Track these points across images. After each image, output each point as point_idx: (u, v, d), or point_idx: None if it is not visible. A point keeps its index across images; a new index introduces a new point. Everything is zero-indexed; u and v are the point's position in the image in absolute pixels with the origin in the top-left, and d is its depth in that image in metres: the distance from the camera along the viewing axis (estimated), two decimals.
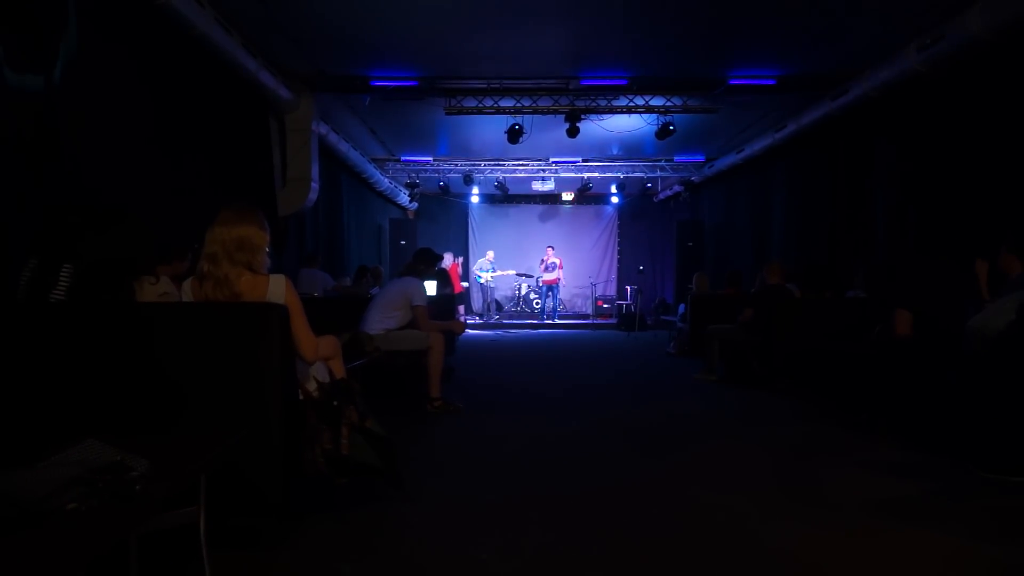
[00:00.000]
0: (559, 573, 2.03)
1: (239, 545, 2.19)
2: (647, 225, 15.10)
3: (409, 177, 12.58)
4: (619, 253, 15.27)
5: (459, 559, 2.12)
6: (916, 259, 5.74)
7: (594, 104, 8.02)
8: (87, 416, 2.13)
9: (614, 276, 15.04)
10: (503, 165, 11.99)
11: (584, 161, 11.93)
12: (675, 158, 11.77)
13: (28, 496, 1.19)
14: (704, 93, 7.69)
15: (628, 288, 13.19)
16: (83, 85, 3.91)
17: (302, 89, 7.26)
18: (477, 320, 13.12)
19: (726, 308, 6.47)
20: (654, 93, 7.83)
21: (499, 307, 13.90)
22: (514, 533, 2.32)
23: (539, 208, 15.07)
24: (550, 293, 12.99)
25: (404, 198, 13.57)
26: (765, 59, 6.79)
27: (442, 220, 15.04)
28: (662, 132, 8.42)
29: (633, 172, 12.29)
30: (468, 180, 12.21)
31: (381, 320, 4.45)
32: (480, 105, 7.84)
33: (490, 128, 9.05)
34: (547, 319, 12.91)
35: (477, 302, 14.15)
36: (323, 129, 8.27)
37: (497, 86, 7.60)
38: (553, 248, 12.90)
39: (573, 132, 8.09)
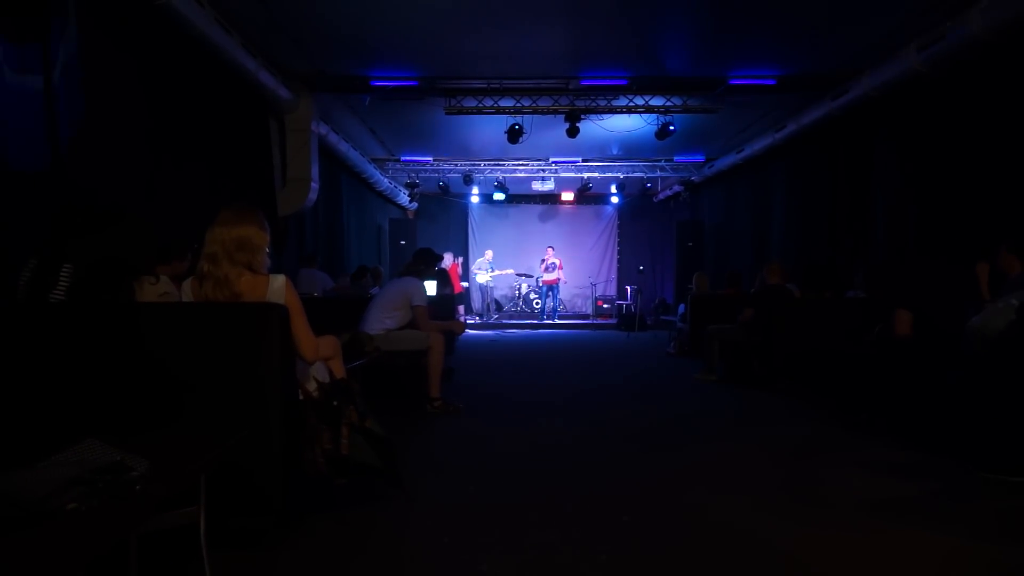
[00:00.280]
0: (560, 574, 2.03)
1: (239, 545, 2.19)
2: (647, 225, 15.10)
3: (409, 177, 12.58)
4: (619, 253, 15.27)
5: (459, 559, 2.12)
6: (916, 259, 5.74)
7: (594, 104, 8.02)
8: (87, 416, 2.13)
9: (614, 276, 15.04)
10: (503, 165, 12.00)
11: (584, 161, 11.93)
12: (675, 158, 11.78)
13: (28, 496, 1.19)
14: (704, 93, 7.69)
15: (628, 288, 13.18)
16: (83, 85, 3.91)
17: (302, 89, 7.26)
18: (477, 320, 13.12)
19: (726, 308, 6.47)
20: (654, 93, 7.83)
21: (499, 307, 13.91)
22: (514, 533, 2.32)
23: (539, 208, 15.07)
24: (550, 293, 12.99)
25: (404, 198, 13.57)
26: (765, 59, 6.80)
27: (442, 220, 15.04)
28: (662, 132, 8.42)
29: (633, 172, 12.30)
30: (468, 180, 12.22)
31: (381, 320, 4.44)
32: (480, 105, 7.84)
33: (490, 128, 9.05)
34: (547, 319, 12.91)
35: (477, 302, 14.15)
36: (323, 129, 8.27)
37: (497, 86, 7.60)
38: (553, 248, 12.91)
39: (573, 132, 8.09)
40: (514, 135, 8.39)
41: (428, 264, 4.94)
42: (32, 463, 1.32)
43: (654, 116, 8.35)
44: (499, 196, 12.91)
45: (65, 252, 2.58)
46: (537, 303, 13.28)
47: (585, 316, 14.09)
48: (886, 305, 4.12)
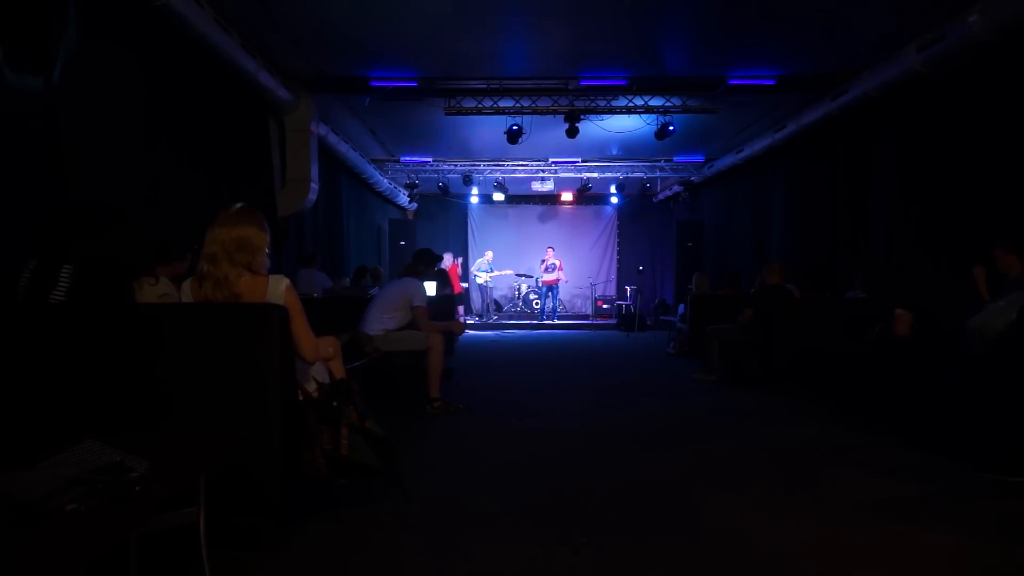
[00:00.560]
0: (559, 573, 2.03)
1: (239, 545, 2.19)
2: (647, 225, 15.10)
3: (408, 178, 12.58)
4: (619, 253, 15.27)
5: (458, 559, 2.12)
6: (916, 260, 5.74)
7: (593, 104, 8.02)
8: (87, 417, 2.13)
9: (614, 276, 15.04)
10: (503, 165, 12.00)
11: (583, 161, 11.93)
12: (675, 158, 11.78)
13: (28, 497, 1.19)
14: (704, 93, 7.69)
15: (628, 288, 13.18)
16: (83, 85, 3.91)
17: (301, 90, 7.26)
18: (477, 320, 13.12)
19: (726, 308, 6.47)
20: (653, 93, 7.83)
21: (499, 307, 13.91)
22: (514, 532, 2.32)
23: (539, 208, 15.07)
24: (550, 293, 12.99)
25: (403, 198, 13.57)
26: (765, 59, 6.80)
27: (441, 220, 15.04)
28: (661, 132, 8.42)
29: (632, 172, 12.30)
30: (467, 180, 12.22)
31: (380, 320, 4.44)
32: (479, 105, 7.84)
33: (490, 128, 9.05)
34: (547, 319, 12.91)
35: (477, 302, 14.15)
36: (323, 130, 8.26)
37: (496, 86, 7.60)
38: (553, 249, 12.90)
39: (572, 132, 8.08)
40: (513, 136, 8.39)
41: (428, 265, 4.94)
42: (32, 463, 1.32)
43: (654, 116, 8.35)
44: (498, 196, 12.92)
45: (65, 253, 2.57)
46: (537, 303, 13.28)
47: (585, 316, 14.09)
48: (886, 305, 4.12)
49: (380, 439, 2.47)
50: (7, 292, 2.65)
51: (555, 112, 8.01)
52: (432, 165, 11.97)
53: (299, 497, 2.43)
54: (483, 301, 13.41)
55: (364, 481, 2.52)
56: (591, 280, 14.18)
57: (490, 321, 12.82)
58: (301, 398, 2.41)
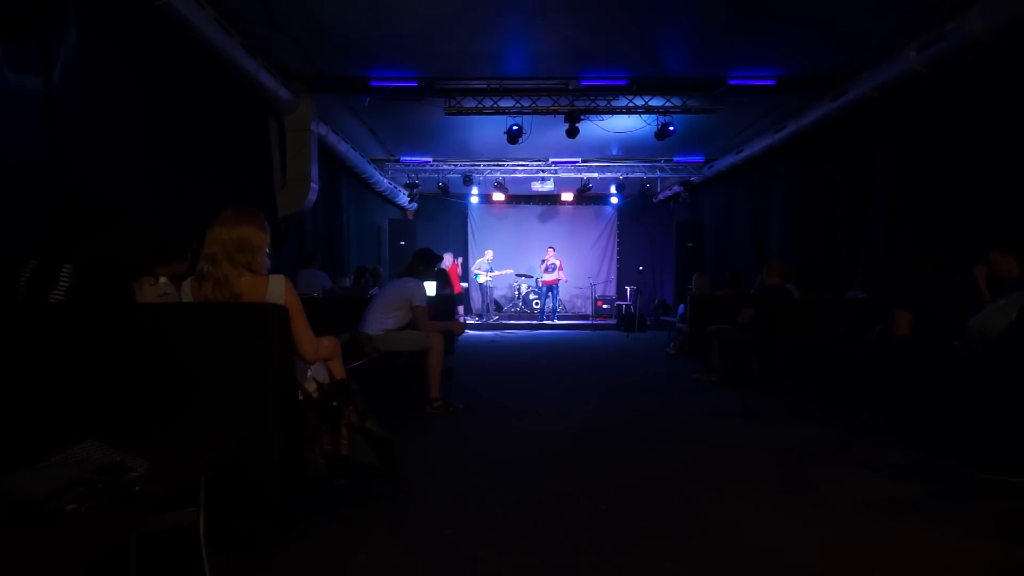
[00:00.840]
0: (559, 573, 2.03)
1: (238, 546, 2.19)
2: (647, 225, 15.09)
3: (408, 177, 12.58)
4: (619, 253, 15.27)
5: (458, 560, 2.12)
6: (916, 260, 5.74)
7: (593, 104, 8.02)
8: (87, 417, 2.13)
9: (614, 276, 15.04)
10: (503, 165, 12.00)
11: (584, 161, 11.93)
12: (675, 158, 11.78)
13: (28, 497, 1.18)
14: (704, 93, 7.69)
15: (628, 288, 13.19)
16: (83, 85, 3.91)
17: (301, 90, 7.26)
18: (477, 320, 13.11)
19: (726, 308, 6.47)
20: (654, 93, 7.83)
21: (498, 307, 13.90)
22: (514, 533, 2.32)
23: (539, 208, 15.06)
24: (550, 293, 12.99)
25: (403, 198, 13.57)
26: (765, 59, 6.80)
27: (441, 220, 15.04)
28: (661, 133, 8.42)
29: (633, 172, 12.30)
30: (468, 180, 12.22)
31: (380, 321, 4.44)
32: (479, 105, 7.84)
33: (489, 128, 9.05)
34: (547, 319, 12.91)
35: (477, 302, 14.15)
36: (323, 130, 8.26)
37: (496, 86, 7.60)
38: (554, 249, 12.90)
39: (572, 132, 8.08)
40: (513, 136, 8.39)
41: (428, 264, 4.93)
42: (32, 464, 1.32)
43: (654, 117, 8.35)
44: (498, 197, 12.91)
45: (65, 252, 2.57)
46: (537, 303, 13.28)
47: (585, 316, 14.09)
48: (886, 306, 4.12)
49: (380, 439, 2.47)
50: (7, 292, 2.65)
51: (555, 112, 8.01)
52: (432, 165, 11.97)
53: (299, 497, 2.43)
54: (483, 301, 13.41)
55: (364, 481, 2.52)
56: (591, 280, 14.18)
57: (490, 321, 12.81)
58: (301, 398, 2.41)
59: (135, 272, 2.91)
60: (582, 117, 8.07)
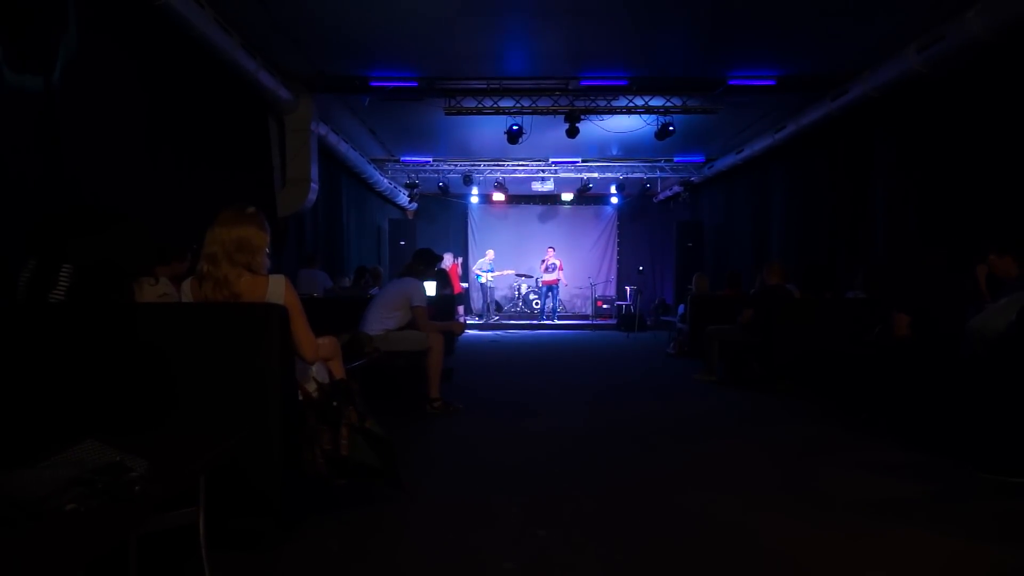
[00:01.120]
0: (561, 573, 2.03)
1: (238, 546, 2.19)
2: (647, 225, 15.09)
3: (409, 177, 12.58)
4: (619, 253, 15.26)
5: (458, 560, 2.12)
6: (915, 260, 5.74)
7: (593, 104, 8.02)
8: (87, 416, 2.13)
9: (614, 276, 15.04)
10: (503, 165, 12.00)
11: (584, 161, 11.93)
12: (675, 158, 11.78)
13: (28, 496, 1.18)
14: (704, 93, 7.69)
15: (628, 288, 13.18)
16: (83, 86, 3.91)
17: (301, 90, 7.25)
18: (477, 320, 13.11)
19: (726, 309, 6.46)
20: (654, 93, 7.83)
21: (499, 307, 13.90)
22: (514, 534, 2.32)
23: (539, 208, 15.06)
24: (550, 293, 12.99)
25: (403, 198, 13.57)
26: (765, 59, 6.80)
27: (442, 220, 15.04)
28: (661, 133, 8.42)
29: (633, 172, 12.30)
30: (468, 180, 12.22)
31: (380, 321, 4.44)
32: (479, 105, 7.84)
33: (490, 128, 9.05)
34: (547, 319, 12.91)
35: (477, 302, 14.15)
36: (323, 130, 8.26)
37: (497, 86, 7.59)
38: (554, 249, 12.90)
39: (573, 132, 8.08)
40: (513, 136, 8.39)
41: (428, 264, 4.93)
42: (32, 463, 1.32)
43: (654, 116, 8.35)
44: (499, 197, 12.92)
45: (65, 252, 2.57)
46: (537, 303, 13.28)
47: (585, 316, 14.09)
48: (886, 306, 4.12)
49: (380, 439, 2.47)
50: (7, 292, 2.65)
51: (555, 112, 8.00)
52: (432, 165, 11.97)
53: (299, 497, 2.43)
54: (483, 301, 13.41)
55: (364, 481, 2.52)
56: (591, 280, 14.19)
57: (490, 321, 12.81)
58: (301, 398, 2.41)
59: (135, 272, 2.91)
60: (582, 117, 8.06)
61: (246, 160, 6.59)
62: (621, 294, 13.92)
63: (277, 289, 2.40)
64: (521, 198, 14.50)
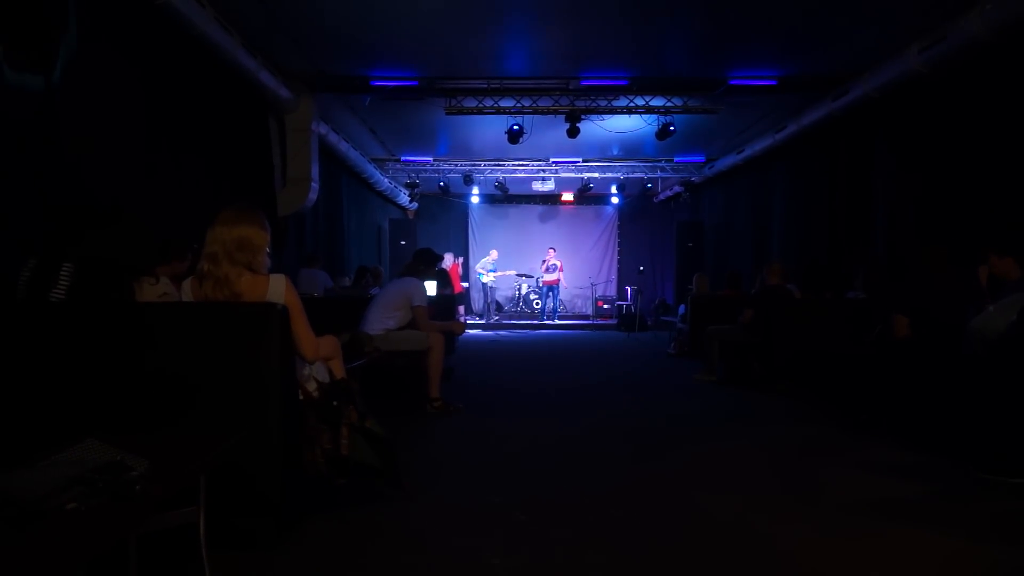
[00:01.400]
0: (562, 573, 2.03)
1: (238, 545, 2.19)
2: (647, 226, 15.09)
3: (409, 177, 12.58)
4: (619, 254, 15.26)
5: (458, 560, 2.12)
6: (916, 260, 5.73)
7: (594, 104, 8.02)
8: (87, 416, 2.13)
9: (614, 276, 15.04)
10: (503, 165, 12.00)
11: (584, 161, 11.93)
12: (675, 159, 11.78)
13: (28, 496, 1.18)
14: (704, 93, 7.69)
15: (628, 289, 13.18)
16: (83, 85, 3.91)
17: (302, 89, 7.25)
18: (477, 320, 13.11)
19: (726, 309, 6.46)
20: (654, 93, 7.83)
21: (499, 307, 13.90)
22: (515, 534, 2.32)
23: (539, 208, 15.06)
24: (550, 293, 12.99)
25: (404, 198, 13.57)
26: (766, 59, 6.80)
27: (442, 220, 15.04)
28: (662, 133, 8.42)
29: (633, 173, 12.30)
30: (468, 180, 12.22)
31: (381, 320, 4.44)
32: (480, 105, 7.84)
33: (490, 128, 9.05)
34: (547, 319, 12.91)
35: (477, 302, 14.14)
36: (323, 129, 8.27)
37: (497, 86, 7.59)
38: (555, 249, 12.90)
39: (573, 132, 8.08)
40: (514, 135, 8.39)
41: (428, 264, 4.93)
42: (32, 463, 1.32)
43: (654, 116, 8.35)
44: (498, 197, 12.91)
45: (65, 251, 2.57)
46: (537, 303, 13.28)
47: (585, 316, 14.09)
48: (886, 306, 4.12)
49: (380, 439, 2.47)
50: (7, 291, 2.65)
51: (556, 112, 8.00)
52: (433, 165, 11.97)
53: (299, 497, 2.43)
54: (485, 301, 13.41)
55: (364, 481, 2.52)
56: (591, 280, 14.18)
57: (491, 321, 12.81)
58: (301, 398, 2.41)
59: (135, 271, 2.91)
60: (583, 117, 8.07)
61: (246, 159, 6.59)
62: (621, 294, 13.92)
63: (277, 288, 2.40)
64: (522, 198, 14.50)
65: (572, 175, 12.41)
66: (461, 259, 13.84)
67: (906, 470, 3.15)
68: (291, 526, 2.32)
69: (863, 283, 5.83)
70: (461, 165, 12.00)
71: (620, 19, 5.78)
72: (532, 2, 5.44)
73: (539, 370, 6.91)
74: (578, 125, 8.03)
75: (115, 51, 4.38)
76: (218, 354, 2.21)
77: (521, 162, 11.90)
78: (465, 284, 13.71)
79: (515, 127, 8.31)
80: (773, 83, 7.21)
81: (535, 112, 8.03)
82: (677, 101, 7.99)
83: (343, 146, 9.36)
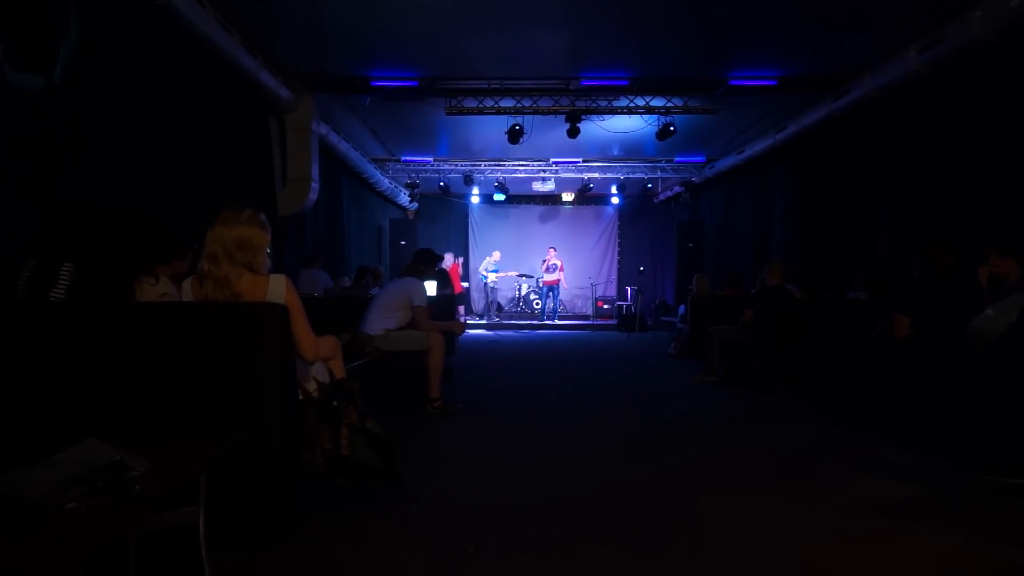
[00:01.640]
0: (562, 573, 2.03)
1: (238, 545, 2.19)
2: (647, 226, 15.09)
3: (409, 177, 12.58)
4: (619, 254, 15.26)
5: (459, 560, 2.12)
6: (916, 260, 5.73)
7: (594, 104, 8.02)
8: (87, 416, 2.13)
9: (614, 277, 15.04)
10: (503, 165, 12.00)
11: (584, 161, 11.93)
12: (676, 159, 11.78)
13: (28, 496, 1.19)
14: (705, 94, 7.68)
15: (628, 289, 13.18)
16: (83, 85, 3.91)
17: (302, 89, 7.25)
18: (477, 320, 13.11)
19: (726, 309, 6.46)
20: (655, 94, 7.83)
21: (499, 308, 13.90)
22: (515, 534, 2.32)
23: (539, 209, 15.06)
24: (550, 294, 12.99)
25: (404, 198, 13.57)
26: (766, 60, 6.79)
27: (442, 220, 15.04)
28: (662, 133, 8.42)
29: (634, 173, 12.30)
30: (468, 180, 12.22)
31: (381, 320, 4.44)
32: (480, 105, 7.84)
33: (490, 128, 9.05)
34: (547, 320, 12.91)
35: (477, 302, 14.14)
36: (323, 129, 8.26)
37: (497, 86, 7.59)
38: (555, 249, 12.90)
39: (573, 133, 8.08)
40: (514, 136, 8.38)
41: (428, 264, 4.93)
42: (32, 463, 1.32)
43: (655, 117, 8.34)
44: (499, 197, 12.92)
45: (65, 251, 2.58)
46: (537, 304, 13.27)
47: (585, 317, 14.09)
48: (886, 307, 4.12)
49: (380, 439, 2.47)
50: (7, 291, 2.65)
51: (556, 112, 8.00)
52: (433, 165, 11.97)
53: (299, 497, 2.43)
54: (486, 301, 13.41)
55: (364, 481, 2.52)
56: (592, 280, 14.18)
57: (491, 321, 12.81)
58: (301, 398, 2.41)
59: (135, 271, 2.91)
60: (583, 117, 8.06)
61: (247, 159, 6.58)
62: (622, 294, 13.92)
63: (278, 288, 2.40)
64: (522, 198, 14.50)
65: (572, 175, 12.41)
66: (461, 259, 13.84)
67: (906, 470, 3.15)
68: (291, 526, 2.32)
69: (863, 283, 5.83)
70: (461, 165, 12.00)
71: (620, 19, 5.78)
72: (532, 2, 5.44)
73: (539, 370, 6.91)
74: (578, 125, 8.03)
75: (116, 51, 4.38)
76: (218, 354, 2.21)
77: (521, 162, 11.90)
78: (465, 284, 13.70)
79: (516, 126, 8.31)
80: (773, 83, 7.21)
81: (535, 112, 8.03)
82: (677, 101, 7.99)
83: (343, 146, 9.36)
